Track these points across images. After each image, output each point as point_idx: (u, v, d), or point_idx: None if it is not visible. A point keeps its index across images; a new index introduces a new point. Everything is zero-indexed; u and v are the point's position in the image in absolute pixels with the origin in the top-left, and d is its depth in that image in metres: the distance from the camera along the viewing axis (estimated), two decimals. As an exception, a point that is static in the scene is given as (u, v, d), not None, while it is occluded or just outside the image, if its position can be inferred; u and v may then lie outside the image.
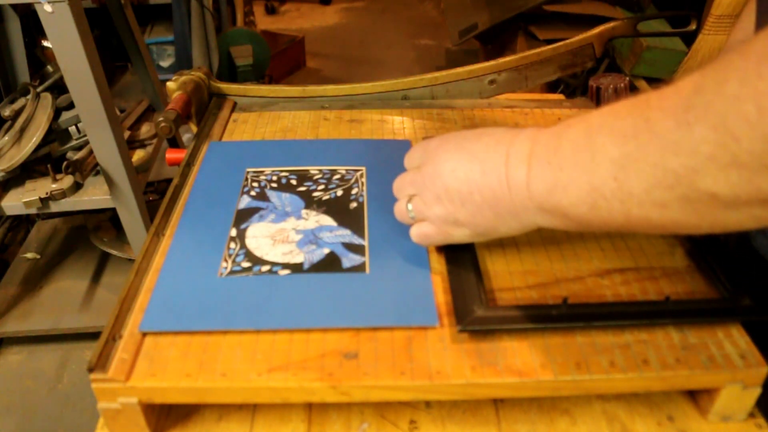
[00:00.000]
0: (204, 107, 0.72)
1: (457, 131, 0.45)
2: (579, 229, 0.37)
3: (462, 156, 0.42)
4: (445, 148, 0.43)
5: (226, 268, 0.46)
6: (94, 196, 1.20)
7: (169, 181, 1.36)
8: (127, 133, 1.32)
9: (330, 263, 0.47)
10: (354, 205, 0.53)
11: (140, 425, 0.40)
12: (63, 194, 1.17)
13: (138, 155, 1.29)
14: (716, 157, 0.27)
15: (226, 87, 0.74)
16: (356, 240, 0.49)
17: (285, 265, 0.47)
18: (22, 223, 1.70)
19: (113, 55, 1.79)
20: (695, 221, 0.31)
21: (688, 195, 0.30)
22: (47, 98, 1.19)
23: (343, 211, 0.52)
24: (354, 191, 0.55)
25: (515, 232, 0.42)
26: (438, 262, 0.47)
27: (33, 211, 1.18)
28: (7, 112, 1.17)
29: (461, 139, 0.43)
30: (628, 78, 0.72)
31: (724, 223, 0.30)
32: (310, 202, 0.53)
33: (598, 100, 0.71)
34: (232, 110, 0.71)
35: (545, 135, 0.38)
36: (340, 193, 0.54)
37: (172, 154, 0.67)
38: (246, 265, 0.47)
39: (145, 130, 1.36)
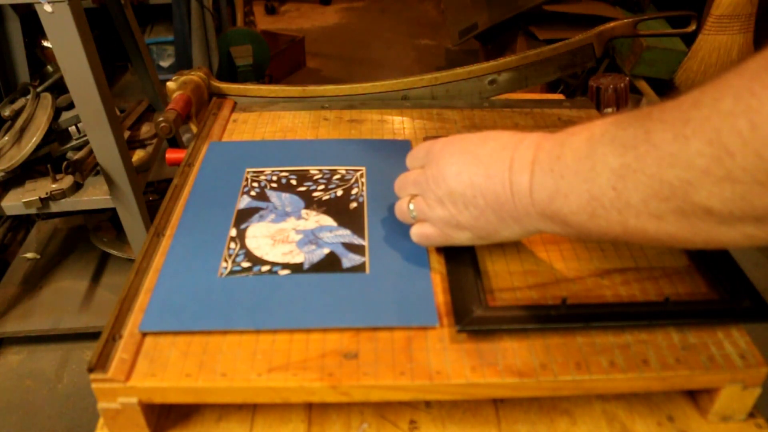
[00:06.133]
0: (204, 107, 0.72)
1: (461, 134, 0.45)
2: (579, 237, 0.38)
3: (467, 159, 0.41)
4: (450, 151, 0.43)
5: (226, 268, 0.46)
6: (94, 196, 1.20)
7: (169, 181, 1.36)
8: (127, 133, 1.32)
9: (330, 263, 0.47)
10: (354, 205, 0.53)
11: (140, 425, 0.40)
12: (63, 194, 1.17)
13: (138, 155, 1.29)
14: (711, 171, 0.28)
15: (226, 87, 0.74)
16: (356, 240, 0.49)
17: (285, 265, 0.47)
18: (22, 223, 1.70)
19: (113, 55, 1.79)
20: (690, 236, 0.31)
21: (683, 208, 0.30)
22: (47, 98, 1.18)
23: (343, 211, 0.52)
24: (354, 191, 0.55)
25: (516, 237, 0.42)
26: (438, 262, 0.47)
27: (33, 211, 1.18)
28: (7, 112, 1.17)
29: (466, 142, 0.43)
30: (628, 78, 0.72)
31: (718, 240, 0.31)
32: (310, 202, 0.53)
33: (598, 100, 0.71)
34: (232, 110, 0.71)
35: (549, 142, 0.38)
36: (340, 193, 0.54)
37: (172, 154, 0.67)
38: (246, 265, 0.47)
39: (145, 130, 1.36)
